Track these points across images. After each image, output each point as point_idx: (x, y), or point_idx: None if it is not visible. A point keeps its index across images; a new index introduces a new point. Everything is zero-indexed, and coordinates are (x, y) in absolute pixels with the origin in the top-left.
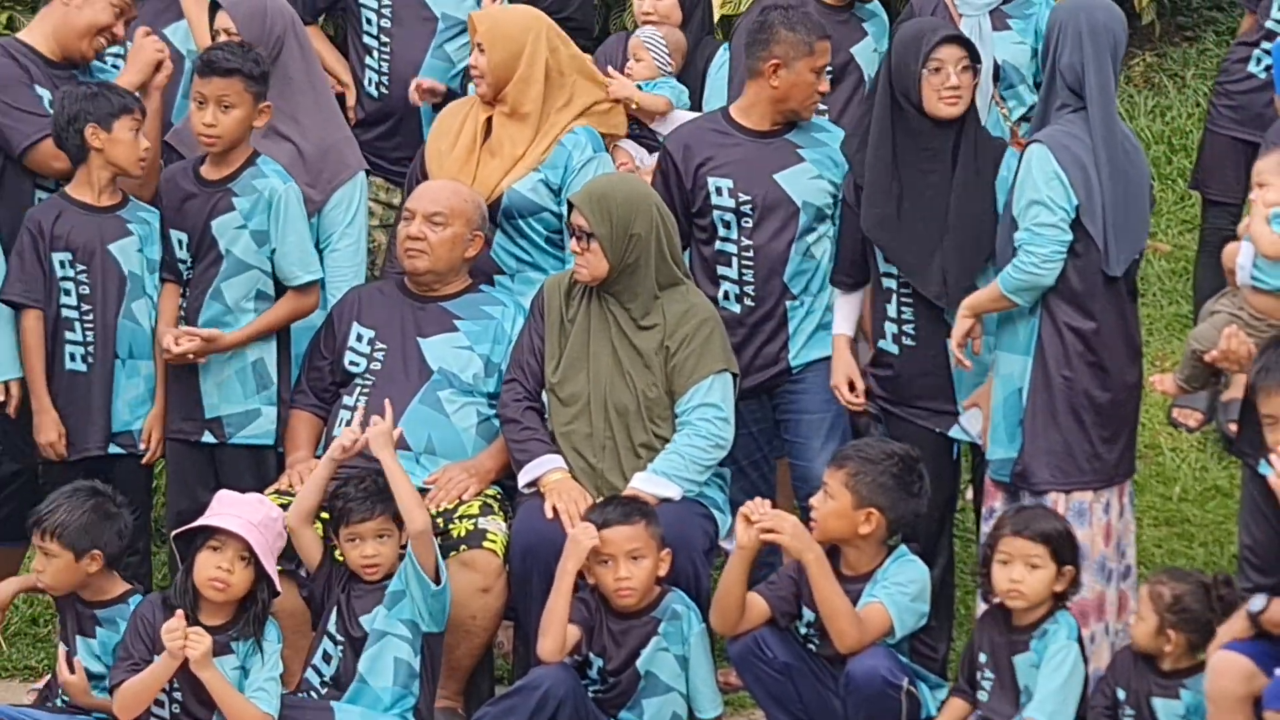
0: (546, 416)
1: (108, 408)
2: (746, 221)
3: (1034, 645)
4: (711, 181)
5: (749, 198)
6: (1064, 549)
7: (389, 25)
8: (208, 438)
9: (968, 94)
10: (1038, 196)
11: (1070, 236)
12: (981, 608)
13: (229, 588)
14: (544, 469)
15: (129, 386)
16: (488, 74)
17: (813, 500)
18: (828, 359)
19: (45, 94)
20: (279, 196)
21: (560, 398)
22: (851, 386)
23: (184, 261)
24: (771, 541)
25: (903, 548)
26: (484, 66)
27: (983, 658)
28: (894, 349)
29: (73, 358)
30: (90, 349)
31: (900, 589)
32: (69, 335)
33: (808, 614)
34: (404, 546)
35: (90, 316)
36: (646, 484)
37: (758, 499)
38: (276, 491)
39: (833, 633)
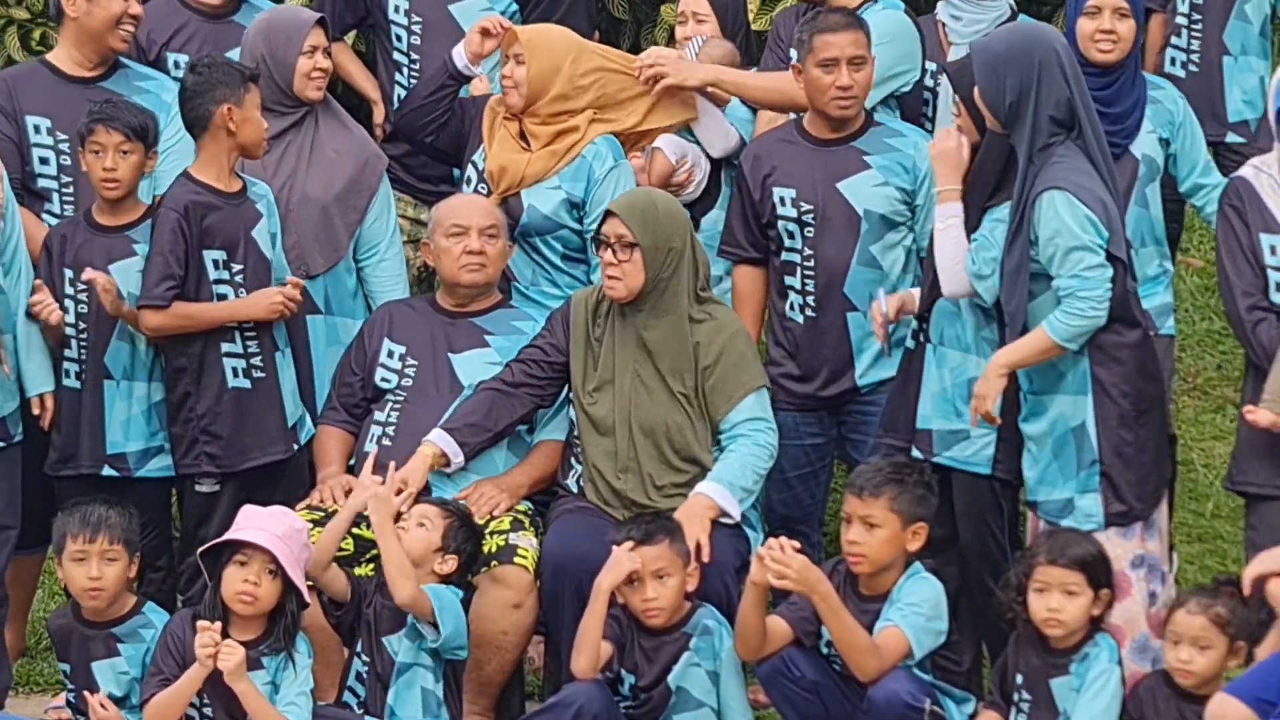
0: (575, 435)
1: (99, 428)
2: (809, 231)
3: (1074, 669)
4: (776, 192)
5: (810, 206)
6: (1099, 573)
7: (418, 42)
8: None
9: (961, 120)
10: (1078, 243)
11: (1112, 270)
12: None
13: (257, 601)
14: (425, 442)
15: (122, 409)
16: (524, 85)
17: (851, 537)
18: None
19: (43, 122)
20: (273, 197)
21: (591, 418)
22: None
23: (223, 280)
24: (780, 586)
25: (916, 565)
26: (520, 78)
27: (1019, 679)
28: (910, 345)
29: (68, 374)
30: (83, 367)
31: (915, 609)
32: (66, 353)
33: (827, 632)
34: (441, 554)
35: (85, 335)
36: (713, 492)
37: (780, 539)
38: (308, 507)
39: (851, 665)
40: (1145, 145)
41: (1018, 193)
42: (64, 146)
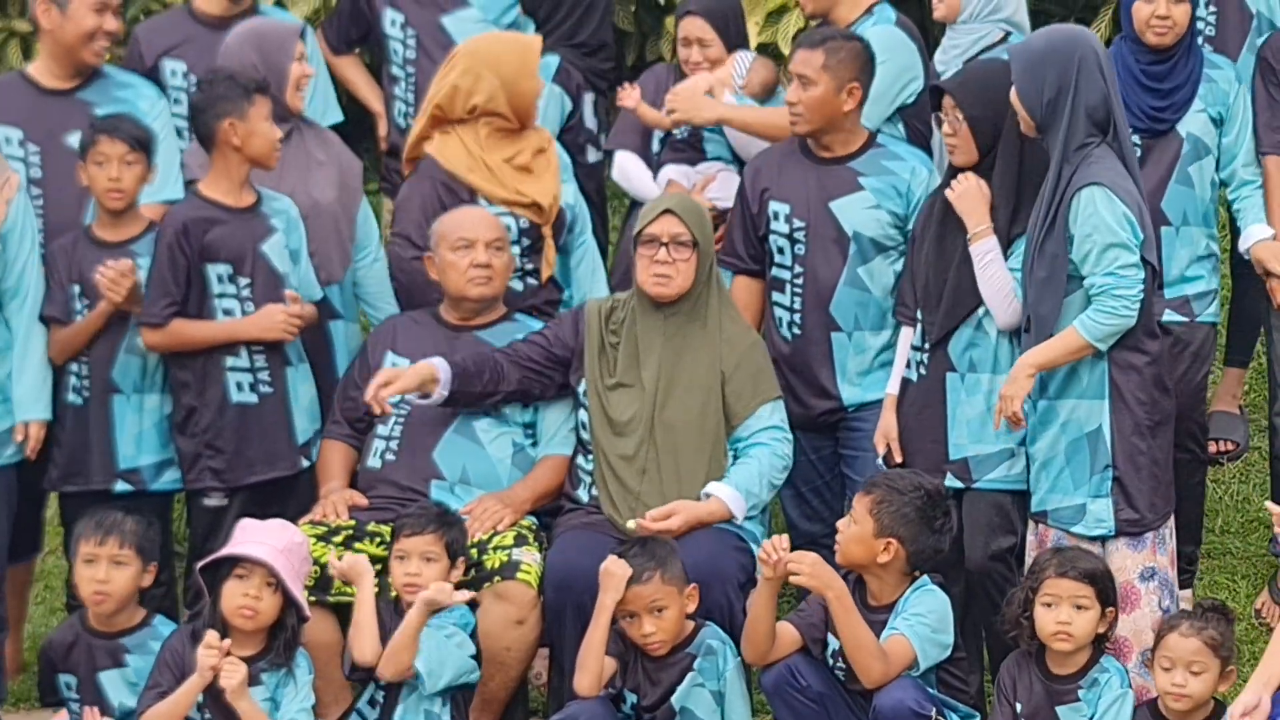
0: (588, 439)
1: (107, 443)
2: (799, 248)
3: (1084, 696)
4: (772, 206)
5: (803, 223)
6: (1107, 589)
7: (414, 56)
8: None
9: (958, 140)
10: (1115, 240)
11: (1144, 272)
12: None
13: (258, 615)
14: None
15: (134, 422)
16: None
17: (839, 523)
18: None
19: (14, 133)
20: (297, 214)
21: (610, 419)
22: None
23: (229, 294)
24: (794, 584)
25: (924, 578)
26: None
27: (1019, 706)
28: (913, 376)
29: (72, 390)
30: (86, 382)
31: (920, 620)
32: (71, 367)
33: (833, 642)
34: (452, 578)
35: (90, 349)
36: (724, 494)
37: (777, 536)
38: (310, 522)
39: (857, 668)
40: (1193, 124)
41: (1050, 192)
42: (34, 159)
